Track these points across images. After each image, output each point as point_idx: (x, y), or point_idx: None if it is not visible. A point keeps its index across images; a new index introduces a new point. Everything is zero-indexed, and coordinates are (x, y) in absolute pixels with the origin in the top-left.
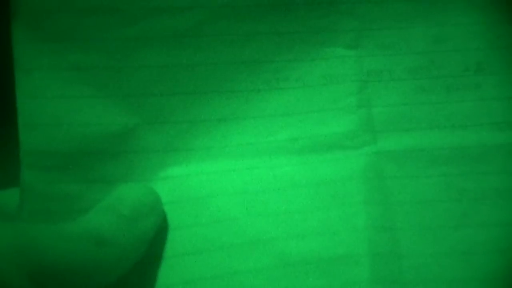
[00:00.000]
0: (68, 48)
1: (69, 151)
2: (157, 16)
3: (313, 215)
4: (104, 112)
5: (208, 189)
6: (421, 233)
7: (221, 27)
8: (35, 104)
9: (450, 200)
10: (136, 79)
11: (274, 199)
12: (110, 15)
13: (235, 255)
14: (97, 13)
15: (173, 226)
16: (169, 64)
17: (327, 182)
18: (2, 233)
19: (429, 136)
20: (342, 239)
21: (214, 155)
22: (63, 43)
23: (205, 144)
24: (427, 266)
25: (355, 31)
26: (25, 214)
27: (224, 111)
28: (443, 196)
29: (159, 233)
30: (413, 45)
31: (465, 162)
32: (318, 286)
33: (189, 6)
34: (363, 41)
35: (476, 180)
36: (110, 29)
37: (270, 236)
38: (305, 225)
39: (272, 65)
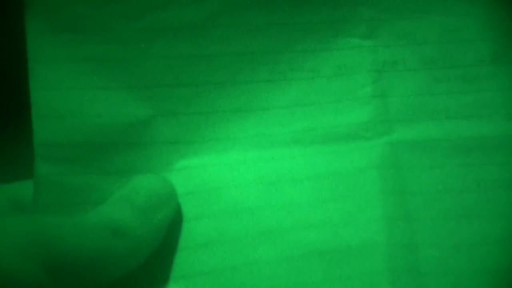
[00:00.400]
0: (81, 39)
1: (83, 143)
2: (171, 7)
3: (329, 206)
4: (118, 103)
5: (223, 180)
6: (438, 223)
7: (234, 18)
8: (48, 96)
9: (467, 191)
10: (150, 70)
11: (290, 190)
12: (123, 6)
13: (250, 246)
14: (111, 4)
15: (188, 217)
16: (183, 55)
17: (343, 172)
18: (17, 225)
19: (445, 126)
20: (359, 229)
21: (229, 146)
22: (76, 34)
23: (220, 135)
24: (444, 256)
25: (370, 21)
26: (39, 206)
27: (239, 102)
28: (460, 187)
29: (174, 224)
30: (429, 35)
31: (482, 152)
32: (335, 276)
33: None
34: (378, 31)
35: (493, 170)
36: (123, 20)
37: (286, 226)
38: (322, 215)
39: (286, 56)
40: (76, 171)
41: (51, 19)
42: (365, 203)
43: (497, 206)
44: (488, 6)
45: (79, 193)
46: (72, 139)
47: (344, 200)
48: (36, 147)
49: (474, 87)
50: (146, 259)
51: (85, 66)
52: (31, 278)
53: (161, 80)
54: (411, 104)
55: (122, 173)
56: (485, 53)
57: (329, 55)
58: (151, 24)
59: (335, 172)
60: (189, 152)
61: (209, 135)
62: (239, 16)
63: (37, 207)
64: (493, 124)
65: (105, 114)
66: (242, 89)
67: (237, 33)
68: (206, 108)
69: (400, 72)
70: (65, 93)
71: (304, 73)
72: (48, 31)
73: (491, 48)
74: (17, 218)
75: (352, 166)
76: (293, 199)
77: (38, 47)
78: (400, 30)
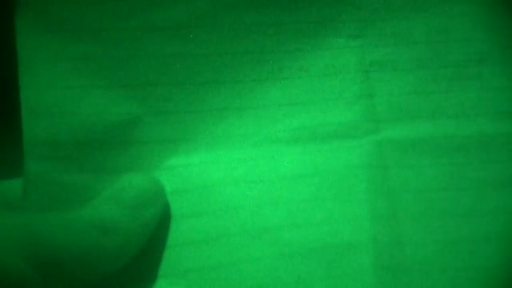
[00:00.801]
0: (71, 38)
1: (72, 141)
2: (159, 7)
3: (316, 204)
4: (108, 102)
5: (211, 179)
6: (425, 221)
7: (223, 18)
8: (38, 94)
9: (454, 189)
10: (140, 69)
11: (277, 189)
12: (114, 5)
13: (238, 244)
14: (101, 3)
15: (177, 215)
16: (172, 54)
17: (330, 171)
18: (6, 223)
19: (432, 126)
20: (346, 227)
21: (217, 145)
22: (66, 33)
23: (208, 134)
24: (431, 254)
25: (358, 21)
26: (28, 204)
27: (227, 101)
28: (446, 185)
29: (163, 222)
30: (416, 36)
31: (468, 152)
32: (322, 274)
33: None
34: (366, 31)
35: (478, 169)
36: (114, 19)
37: (274, 225)
38: (309, 214)
39: (274, 55)
40: (65, 169)
41: (41, 18)
42: (352, 202)
43: (482, 204)
44: (475, 7)
45: (68, 191)
46: (62, 138)
47: (331, 199)
48: (26, 145)
49: (461, 87)
50: (134, 257)
51: (75, 65)
52: (19, 274)
53: (150, 79)
54: (399, 103)
55: (112, 172)
56: (471, 54)
57: (318, 54)
58: (140, 23)
59: (323, 171)
60: (178, 151)
61: (197, 134)
62: (227, 16)
63: (26, 205)
64: (479, 124)
65: (94, 113)
66: (229, 89)
67: (225, 32)
68: (195, 107)
69: (388, 72)
70: (55, 92)
71: (292, 72)
72: (38, 30)
73: (479, 48)
74: (6, 216)
75: (340, 165)
76: (280, 198)
77: (28, 46)
78: (388, 30)
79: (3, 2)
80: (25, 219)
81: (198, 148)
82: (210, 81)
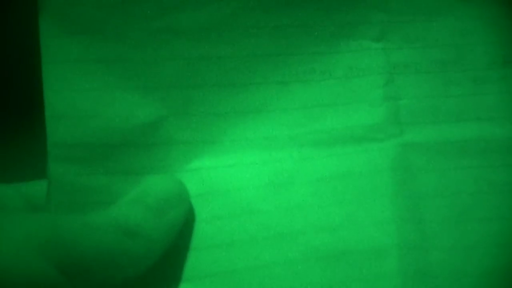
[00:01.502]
0: (95, 41)
1: (96, 143)
2: (184, 9)
3: (341, 208)
4: (131, 104)
5: (236, 182)
6: (449, 225)
7: (247, 20)
8: (62, 96)
9: (479, 193)
10: (163, 71)
11: (302, 192)
12: (138, 7)
13: (262, 248)
14: (125, 5)
15: (201, 218)
16: (196, 56)
17: (355, 174)
18: (31, 225)
19: (456, 129)
20: (370, 231)
21: (241, 148)
22: (90, 35)
23: (232, 137)
24: (455, 259)
25: (382, 24)
26: (52, 206)
27: (251, 104)
28: (471, 189)
29: (186, 225)
30: (440, 38)
31: (492, 155)
32: (346, 279)
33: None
34: (389, 34)
35: (505, 173)
36: (138, 21)
37: (298, 229)
38: (333, 218)
39: (299, 58)
40: (89, 171)
41: (65, 20)
42: (376, 205)
43: (508, 208)
44: (499, 9)
45: (92, 193)
46: (85, 140)
47: (355, 202)
48: (50, 147)
49: (485, 90)
50: (159, 260)
51: (100, 67)
52: (43, 276)
53: (174, 81)
54: (422, 106)
55: (135, 174)
56: (496, 56)
57: (341, 57)
58: (164, 26)
59: (347, 174)
60: (202, 153)
61: (221, 137)
62: (252, 19)
63: (50, 207)
64: (503, 127)
65: (118, 115)
66: (254, 91)
67: (249, 35)
68: (219, 109)
69: (412, 75)
70: (78, 94)
71: (316, 75)
72: (62, 32)
73: (502, 51)
74: (31, 217)
75: (364, 168)
76: (305, 201)
77: (52, 48)
78: (411, 33)
79: (27, 6)
80: (49, 221)
81: (222, 151)
82: (234, 83)
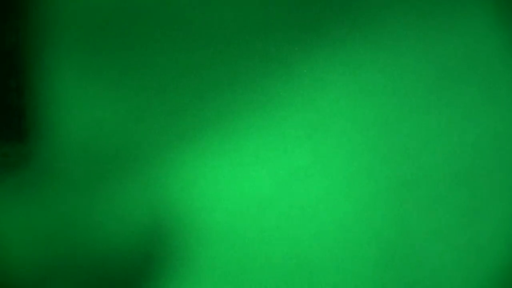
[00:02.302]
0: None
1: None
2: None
3: (341, 203)
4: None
5: (236, 176)
6: (441, 224)
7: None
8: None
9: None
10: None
11: (303, 187)
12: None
13: (261, 241)
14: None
15: (200, 212)
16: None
17: (355, 170)
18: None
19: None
20: (370, 226)
21: (242, 142)
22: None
23: (233, 131)
24: (449, 256)
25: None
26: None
27: (252, 98)
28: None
29: (184, 218)
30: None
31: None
32: (345, 274)
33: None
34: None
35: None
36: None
37: (299, 223)
38: (335, 213)
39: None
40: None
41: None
42: (377, 201)
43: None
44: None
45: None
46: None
47: (355, 198)
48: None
49: None
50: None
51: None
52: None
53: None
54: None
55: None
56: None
57: (342, 60)
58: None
59: (347, 169)
60: (201, 149)
61: (222, 131)
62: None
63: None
64: None
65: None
66: (256, 86)
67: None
68: (219, 104)
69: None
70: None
71: (316, 71)
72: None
73: None
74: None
75: (364, 163)
76: (305, 196)
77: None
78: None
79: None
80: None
81: (223, 145)
82: (234, 78)
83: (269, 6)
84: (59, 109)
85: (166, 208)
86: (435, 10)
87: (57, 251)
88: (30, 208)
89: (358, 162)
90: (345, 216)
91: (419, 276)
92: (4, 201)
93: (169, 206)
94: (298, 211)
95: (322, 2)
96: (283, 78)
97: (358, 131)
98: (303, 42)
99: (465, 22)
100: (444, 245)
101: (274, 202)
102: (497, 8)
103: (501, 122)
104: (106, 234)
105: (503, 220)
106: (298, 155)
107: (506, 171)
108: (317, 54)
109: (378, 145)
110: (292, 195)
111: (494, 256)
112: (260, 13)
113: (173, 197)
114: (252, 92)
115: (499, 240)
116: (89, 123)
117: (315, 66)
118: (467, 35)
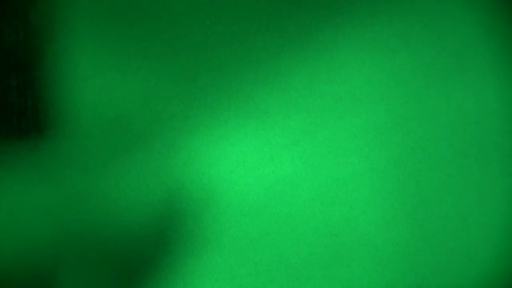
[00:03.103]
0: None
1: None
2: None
3: (328, 208)
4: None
5: (224, 183)
6: (438, 225)
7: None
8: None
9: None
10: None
11: (290, 193)
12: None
13: (249, 248)
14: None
15: (189, 219)
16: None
17: (343, 176)
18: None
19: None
20: (359, 232)
21: (229, 148)
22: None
23: (221, 136)
24: (445, 259)
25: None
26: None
27: (239, 105)
28: (461, 189)
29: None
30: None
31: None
32: (334, 278)
33: None
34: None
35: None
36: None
37: (286, 229)
38: (322, 218)
39: (287, 62)
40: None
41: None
42: (366, 206)
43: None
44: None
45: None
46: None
47: (343, 203)
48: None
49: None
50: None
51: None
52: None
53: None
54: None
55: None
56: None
57: (329, 65)
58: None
59: (335, 175)
60: (190, 153)
61: (209, 137)
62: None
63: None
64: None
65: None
66: (242, 92)
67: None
68: (208, 110)
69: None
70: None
71: (303, 77)
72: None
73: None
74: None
75: (352, 169)
76: (293, 202)
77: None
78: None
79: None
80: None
81: (211, 151)
82: (222, 84)
83: (254, 12)
84: (71, 88)
85: (179, 185)
86: (423, 15)
87: (69, 228)
88: (42, 186)
89: (345, 169)
90: (333, 222)
91: (411, 281)
92: (17, 181)
93: (182, 183)
94: (286, 218)
95: (309, 8)
96: (270, 85)
97: (346, 137)
98: (290, 48)
99: (453, 25)
100: (434, 251)
101: (261, 209)
102: (485, 12)
103: (488, 126)
104: (119, 211)
105: (494, 225)
106: (285, 161)
107: (496, 172)
108: (305, 60)
109: (366, 151)
110: (279, 201)
111: (487, 260)
112: (245, 20)
113: (186, 174)
114: (238, 99)
115: (493, 244)
116: (101, 103)
117: (302, 72)
118: (456, 38)
